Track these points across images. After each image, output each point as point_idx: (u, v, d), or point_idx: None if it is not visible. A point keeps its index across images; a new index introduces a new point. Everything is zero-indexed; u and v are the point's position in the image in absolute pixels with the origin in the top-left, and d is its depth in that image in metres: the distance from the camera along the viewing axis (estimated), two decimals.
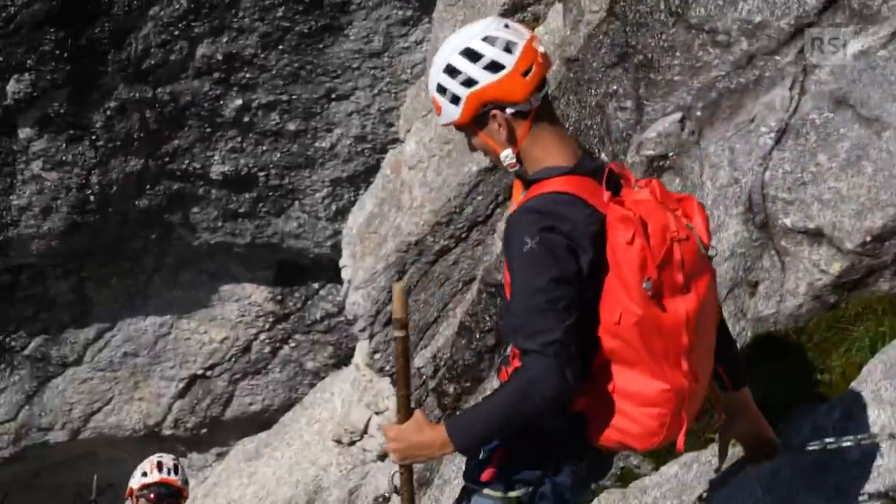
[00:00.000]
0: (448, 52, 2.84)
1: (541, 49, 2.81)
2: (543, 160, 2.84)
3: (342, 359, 11.35)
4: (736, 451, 3.91)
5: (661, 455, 4.53)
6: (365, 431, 8.86)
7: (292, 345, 11.61)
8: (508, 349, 3.00)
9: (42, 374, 11.34)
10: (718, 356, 3.04)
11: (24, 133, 9.47)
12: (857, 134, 4.29)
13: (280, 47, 9.52)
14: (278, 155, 10.20)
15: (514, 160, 2.85)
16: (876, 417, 3.60)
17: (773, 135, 4.55)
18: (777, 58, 4.63)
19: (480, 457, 3.01)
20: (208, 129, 9.94)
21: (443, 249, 7.48)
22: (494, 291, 6.33)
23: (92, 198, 9.94)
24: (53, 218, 10.03)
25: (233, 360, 11.68)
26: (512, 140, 2.84)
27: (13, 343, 11.04)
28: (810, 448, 3.45)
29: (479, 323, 6.62)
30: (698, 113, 4.85)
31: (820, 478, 3.63)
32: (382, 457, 8.58)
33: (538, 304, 2.67)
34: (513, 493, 2.96)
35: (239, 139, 10.07)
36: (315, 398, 10.65)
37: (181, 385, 11.77)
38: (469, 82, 2.80)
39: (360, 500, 9.05)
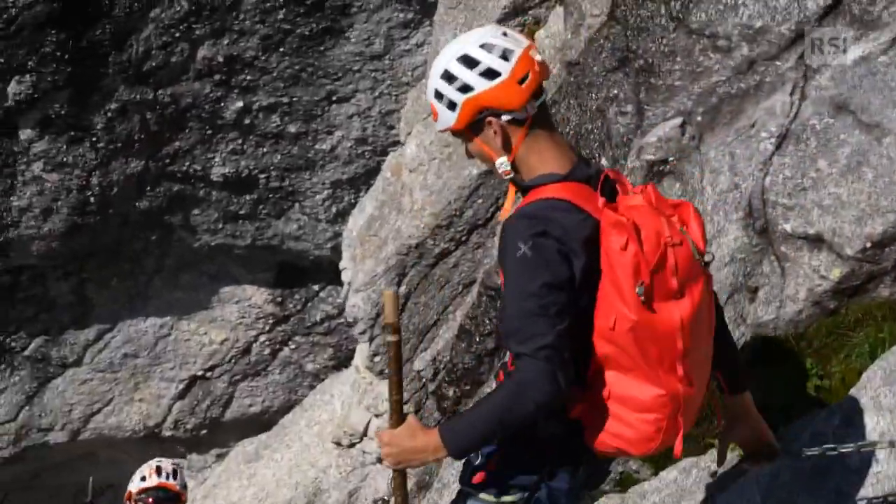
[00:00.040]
0: (446, 58, 2.86)
1: (538, 57, 2.83)
2: (539, 167, 2.86)
3: (342, 361, 11.35)
4: (735, 456, 3.92)
5: (661, 460, 4.53)
6: (364, 434, 8.86)
7: (292, 346, 11.61)
8: (507, 353, 3.01)
9: (42, 374, 11.34)
10: (718, 360, 3.05)
11: (24, 134, 9.47)
12: (857, 140, 4.29)
13: (281, 49, 9.52)
14: (279, 157, 10.20)
15: (509, 167, 2.87)
16: (875, 424, 3.61)
17: (773, 140, 4.55)
18: (778, 63, 4.63)
19: (477, 461, 3.02)
20: (209, 131, 9.94)
21: (443, 252, 7.48)
22: (494, 294, 6.34)
23: (92, 199, 9.94)
24: (54, 219, 10.03)
25: (233, 361, 11.68)
26: (507, 147, 2.86)
27: (13, 344, 11.04)
28: (809, 453, 3.46)
29: (479, 326, 6.62)
30: (699, 118, 4.85)
31: (819, 483, 3.64)
32: (382, 459, 8.58)
33: (530, 309, 2.68)
34: (507, 498, 2.97)
35: (239, 141, 10.07)
36: (315, 400, 10.65)
37: (181, 386, 11.77)
38: (465, 88, 2.82)
39: (359, 502, 9.05)
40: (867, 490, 3.46)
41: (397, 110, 9.61)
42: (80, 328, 11.19)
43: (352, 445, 9.10)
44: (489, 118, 2.84)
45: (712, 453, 4.23)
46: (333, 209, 10.57)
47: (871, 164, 4.22)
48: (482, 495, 3.00)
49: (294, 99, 9.86)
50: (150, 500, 5.46)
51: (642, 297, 2.68)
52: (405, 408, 7.39)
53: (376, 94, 9.85)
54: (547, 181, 2.83)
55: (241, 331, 11.50)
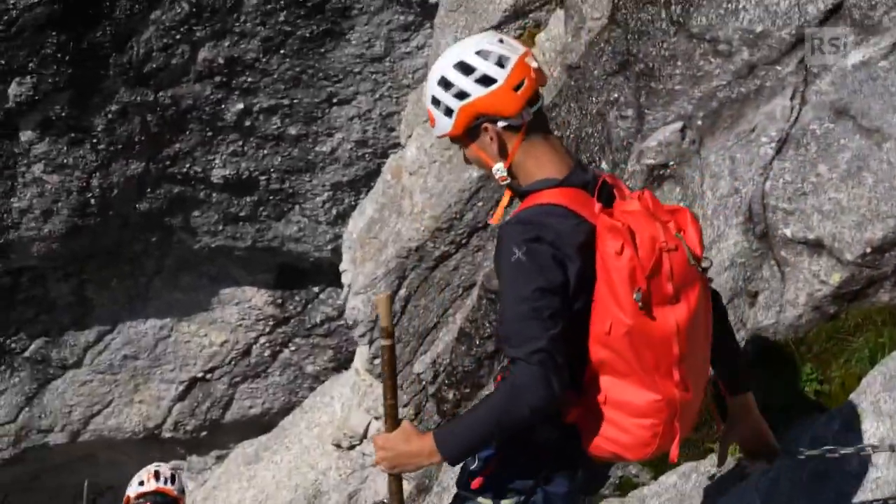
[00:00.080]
0: (443, 64, 2.90)
1: (534, 64, 2.86)
2: (536, 173, 2.88)
3: (342, 362, 11.35)
4: (734, 459, 3.93)
5: (660, 465, 4.54)
6: (364, 436, 8.86)
7: (292, 348, 11.61)
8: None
9: (42, 376, 11.34)
10: (719, 360, 3.07)
11: (25, 136, 9.47)
12: (857, 145, 4.29)
13: (282, 51, 9.51)
14: (279, 159, 10.20)
15: (505, 173, 2.90)
16: (875, 429, 3.61)
17: (773, 145, 4.55)
18: (778, 67, 4.62)
19: (474, 465, 3.03)
20: (209, 133, 9.94)
21: (443, 255, 7.48)
22: (494, 297, 6.33)
23: (93, 201, 9.94)
24: (54, 220, 10.03)
25: (233, 363, 11.68)
26: (503, 153, 2.88)
27: (13, 345, 11.04)
28: (808, 454, 3.46)
29: (479, 329, 6.62)
30: (699, 122, 4.85)
31: (819, 488, 3.64)
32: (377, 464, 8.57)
33: (524, 313, 2.70)
34: (504, 502, 2.99)
35: (240, 143, 10.07)
36: (315, 402, 10.65)
37: (181, 388, 11.77)
38: (461, 95, 2.85)
39: None
40: (866, 495, 3.47)
41: (398, 112, 9.62)
42: (80, 329, 11.19)
43: (352, 447, 9.10)
44: (485, 124, 2.86)
45: (712, 458, 4.24)
46: (334, 211, 10.57)
47: (871, 169, 4.22)
48: (480, 499, 3.02)
49: (294, 101, 9.86)
50: None
51: (640, 303, 2.70)
52: (405, 411, 7.39)
53: (377, 96, 9.84)
54: (543, 186, 2.85)
55: (241, 332, 11.50)
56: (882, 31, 4.36)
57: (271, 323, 11.43)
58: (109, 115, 9.51)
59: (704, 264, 2.86)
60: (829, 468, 3.61)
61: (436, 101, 2.91)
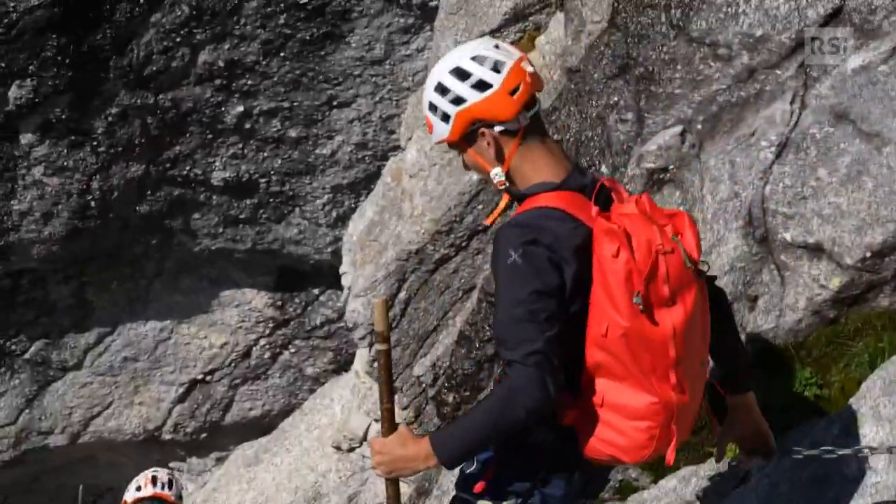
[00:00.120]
0: (439, 71, 2.92)
1: (529, 69, 2.88)
2: (533, 177, 2.90)
3: (342, 364, 11.35)
4: (734, 462, 3.92)
5: (660, 468, 4.54)
6: (364, 438, 8.86)
7: (292, 350, 11.61)
8: None
9: (42, 378, 11.34)
10: (718, 360, 3.08)
11: (25, 138, 9.47)
12: (857, 149, 4.29)
13: (282, 54, 9.51)
14: (279, 161, 10.20)
15: (503, 178, 2.92)
16: (875, 434, 3.61)
17: (773, 149, 4.55)
18: (778, 72, 4.62)
19: (472, 468, 3.04)
20: (209, 136, 9.93)
21: (443, 258, 7.48)
22: (494, 301, 6.32)
23: (93, 203, 9.94)
24: (54, 223, 10.03)
25: (233, 365, 11.68)
26: (500, 158, 2.90)
27: (14, 347, 11.04)
28: (806, 454, 3.46)
29: (479, 332, 6.62)
30: (699, 126, 4.85)
31: (818, 492, 3.64)
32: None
33: (520, 316, 2.72)
34: None
35: (240, 146, 10.07)
36: (315, 404, 10.65)
37: (181, 390, 11.77)
38: (458, 100, 2.87)
39: None
40: (866, 500, 3.47)
41: (398, 115, 9.62)
42: (81, 332, 11.20)
43: (351, 450, 9.10)
44: (482, 129, 2.88)
45: (712, 462, 4.24)
46: (334, 213, 10.57)
47: (871, 173, 4.23)
48: (480, 503, 3.02)
49: (294, 103, 9.86)
50: None
51: (641, 307, 2.71)
52: (405, 414, 7.38)
53: (377, 98, 9.84)
54: (540, 190, 2.87)
55: (241, 334, 11.50)
56: (882, 36, 4.37)
57: (271, 325, 11.43)
58: (110, 118, 9.51)
59: (702, 267, 2.87)
60: (829, 472, 3.62)
61: (433, 107, 2.93)
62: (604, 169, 5.32)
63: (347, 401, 9.42)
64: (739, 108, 4.73)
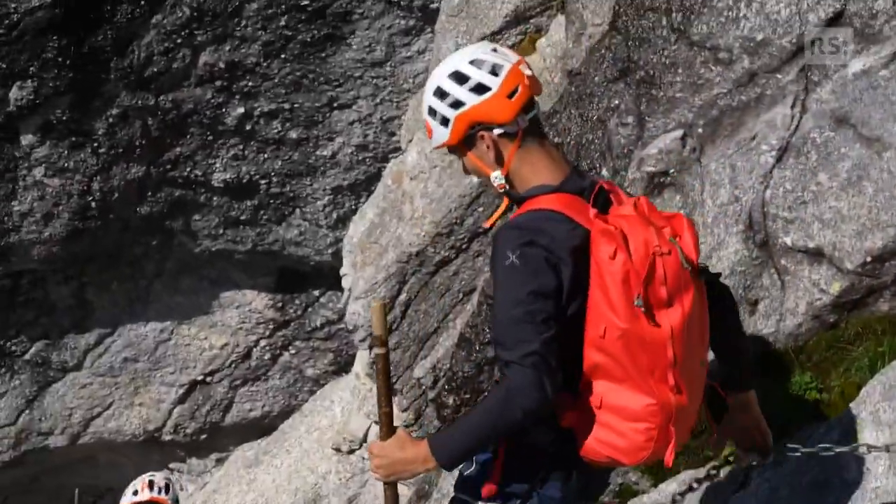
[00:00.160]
0: (438, 75, 2.94)
1: (528, 72, 2.89)
2: (532, 179, 2.91)
3: (342, 366, 11.35)
4: (727, 458, 3.93)
5: (660, 472, 4.54)
6: (364, 440, 8.86)
7: (292, 351, 11.61)
8: None
9: (42, 378, 11.34)
10: (720, 358, 3.08)
11: (26, 139, 9.47)
12: (857, 153, 4.29)
13: (282, 56, 9.51)
14: (280, 163, 10.20)
15: (503, 181, 2.93)
16: (875, 438, 3.61)
17: (774, 153, 4.55)
18: (779, 76, 4.63)
19: (471, 470, 3.05)
20: (210, 137, 9.93)
21: (443, 260, 7.48)
22: (492, 302, 6.32)
23: (93, 204, 9.94)
24: (55, 224, 10.02)
25: (233, 366, 11.68)
26: (500, 161, 2.91)
27: (14, 348, 11.04)
28: (803, 451, 3.47)
29: (479, 334, 6.61)
30: (699, 130, 4.86)
31: (817, 497, 3.64)
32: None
33: (517, 317, 2.73)
34: None
35: (240, 147, 10.06)
36: (315, 406, 10.66)
37: (181, 391, 11.76)
38: (456, 104, 2.89)
39: None
40: None
41: (398, 117, 9.62)
42: (81, 332, 11.19)
43: (351, 451, 9.11)
44: (481, 133, 2.90)
45: (712, 465, 4.24)
46: (334, 215, 10.56)
47: (871, 178, 4.23)
48: None
49: (295, 105, 9.85)
50: None
51: (643, 309, 2.71)
52: (405, 416, 7.37)
53: (377, 100, 9.84)
54: (539, 192, 2.88)
55: (241, 336, 11.50)
56: (882, 40, 4.37)
57: (271, 326, 11.42)
58: (110, 119, 9.51)
59: (705, 265, 2.88)
60: (829, 477, 3.62)
61: (432, 112, 2.95)
62: (604, 172, 5.32)
63: (347, 402, 9.42)
64: (740, 112, 4.73)
